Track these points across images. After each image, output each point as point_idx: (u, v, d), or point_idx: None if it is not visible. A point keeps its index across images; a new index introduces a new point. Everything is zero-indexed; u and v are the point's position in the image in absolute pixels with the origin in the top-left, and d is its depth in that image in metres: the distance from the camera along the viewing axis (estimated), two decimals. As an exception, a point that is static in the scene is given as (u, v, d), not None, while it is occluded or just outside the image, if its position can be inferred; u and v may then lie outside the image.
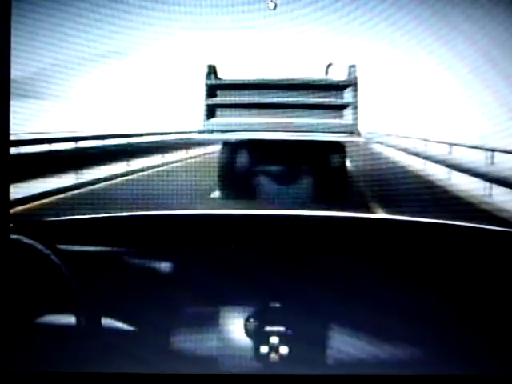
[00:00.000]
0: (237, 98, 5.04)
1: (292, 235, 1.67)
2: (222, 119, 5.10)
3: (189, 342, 1.51)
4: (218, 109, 5.14)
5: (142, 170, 5.12)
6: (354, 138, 5.02)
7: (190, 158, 5.51)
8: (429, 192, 4.92)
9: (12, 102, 1.39)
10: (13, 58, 1.38)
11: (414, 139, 6.44)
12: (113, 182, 4.76)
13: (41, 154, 4.91)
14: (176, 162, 5.35)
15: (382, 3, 3.14)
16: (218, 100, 5.14)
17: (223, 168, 5.04)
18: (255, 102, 4.96)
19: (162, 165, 5.40)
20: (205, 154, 5.46)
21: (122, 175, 4.98)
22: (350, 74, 5.07)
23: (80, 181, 4.59)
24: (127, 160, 5.31)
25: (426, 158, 6.26)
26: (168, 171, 5.15)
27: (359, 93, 5.04)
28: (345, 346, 1.48)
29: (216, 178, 4.82)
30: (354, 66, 5.01)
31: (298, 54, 4.15)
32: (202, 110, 5.12)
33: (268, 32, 3.01)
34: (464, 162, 5.54)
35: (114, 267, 1.64)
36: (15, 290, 1.38)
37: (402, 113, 4.67)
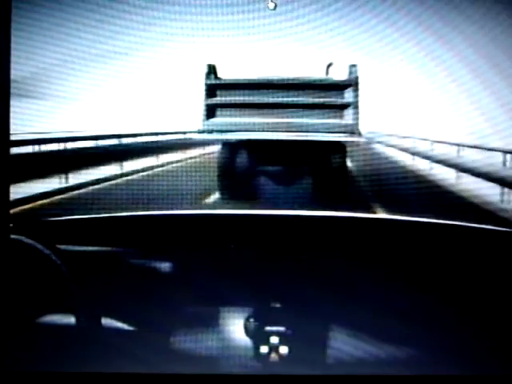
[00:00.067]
0: (237, 98, 5.04)
1: (292, 235, 1.67)
2: (221, 119, 5.10)
3: (189, 341, 1.52)
4: (218, 109, 5.13)
5: (132, 172, 5.10)
6: (355, 138, 5.02)
7: (191, 158, 5.51)
8: (432, 192, 4.91)
9: (12, 102, 1.39)
10: (13, 58, 1.38)
11: (415, 139, 6.44)
12: (100, 185, 4.71)
13: (41, 154, 4.91)
14: (173, 162, 5.35)
15: (382, 3, 3.14)
16: (217, 100, 5.14)
17: (223, 168, 5.04)
18: (255, 101, 4.96)
19: (162, 165, 5.41)
20: (204, 154, 5.46)
21: (106, 179, 4.94)
22: (350, 73, 5.06)
23: (80, 181, 4.59)
24: (120, 161, 5.28)
25: (427, 157, 6.26)
26: (168, 171, 5.16)
27: (359, 93, 5.04)
28: (344, 346, 1.48)
29: (215, 179, 4.81)
30: (354, 66, 5.00)
31: (298, 54, 4.15)
32: (201, 110, 5.11)
33: (268, 32, 3.01)
34: (468, 162, 5.51)
35: (114, 267, 1.64)
36: (15, 289, 1.38)
37: (401, 113, 4.67)
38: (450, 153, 5.87)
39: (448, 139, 5.80)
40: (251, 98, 4.97)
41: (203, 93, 5.10)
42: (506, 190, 4.90)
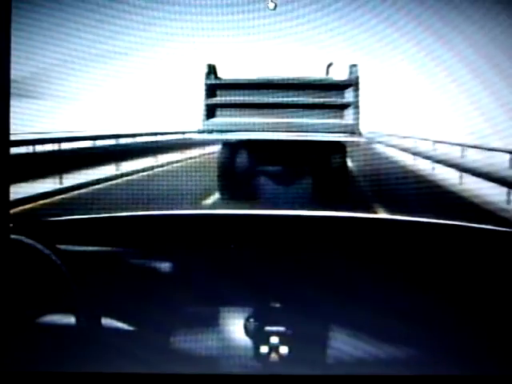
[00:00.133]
0: (237, 98, 5.04)
1: (292, 235, 1.67)
2: (221, 119, 5.10)
3: (189, 341, 1.52)
4: (218, 109, 5.13)
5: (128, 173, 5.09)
6: (356, 138, 5.01)
7: (191, 158, 5.51)
8: (433, 192, 4.90)
9: (12, 102, 1.39)
10: (13, 58, 1.38)
11: (415, 139, 6.43)
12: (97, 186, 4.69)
13: (42, 154, 4.91)
14: (173, 163, 5.34)
15: (382, 3, 3.14)
16: (217, 100, 5.13)
17: (223, 168, 5.03)
18: (255, 101, 4.95)
19: (162, 165, 5.40)
20: (204, 154, 5.45)
21: (106, 180, 4.92)
22: (351, 73, 5.06)
23: (80, 181, 4.59)
24: (120, 161, 5.27)
25: (427, 157, 6.26)
26: (168, 171, 5.16)
27: (360, 92, 5.04)
28: (344, 346, 1.48)
29: (215, 179, 4.81)
30: (355, 66, 4.99)
31: (298, 54, 4.15)
32: (201, 110, 5.11)
33: (268, 32, 3.01)
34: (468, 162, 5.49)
35: (114, 267, 1.64)
36: (15, 289, 1.38)
37: (401, 113, 4.67)
38: (450, 153, 5.86)
39: (448, 139, 5.80)
40: (251, 98, 4.96)
41: (203, 93, 5.10)
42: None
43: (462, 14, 3.06)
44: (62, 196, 4.38)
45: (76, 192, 4.44)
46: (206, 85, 5.08)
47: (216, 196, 4.64)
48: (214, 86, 5.10)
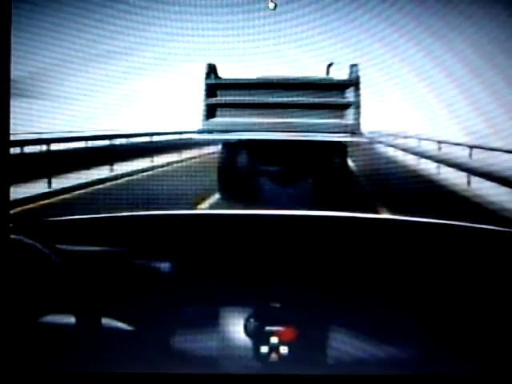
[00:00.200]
0: (237, 98, 5.03)
1: (292, 235, 1.67)
2: (221, 119, 5.09)
3: (189, 341, 1.51)
4: (218, 109, 5.13)
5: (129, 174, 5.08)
6: (356, 138, 5.00)
7: (191, 158, 5.51)
8: (433, 192, 4.89)
9: (12, 102, 1.39)
10: (13, 58, 1.38)
11: (415, 139, 6.43)
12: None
13: (42, 154, 4.91)
14: (173, 163, 5.34)
15: (382, 3, 3.14)
16: (217, 100, 5.13)
17: (223, 169, 5.03)
18: (255, 101, 4.95)
19: (162, 165, 5.40)
20: (203, 154, 5.45)
21: (106, 180, 4.89)
22: (351, 73, 5.05)
23: (80, 181, 4.59)
24: (120, 161, 5.25)
25: (428, 157, 6.25)
26: (168, 171, 5.16)
27: (360, 92, 5.03)
28: (345, 346, 1.48)
29: (215, 179, 4.81)
30: (355, 66, 4.98)
31: (299, 54, 4.15)
32: (201, 110, 5.11)
33: (268, 32, 3.01)
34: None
35: (113, 267, 1.64)
36: (15, 289, 1.38)
37: (401, 113, 4.66)
38: (450, 152, 5.86)
39: (448, 139, 5.79)
40: (251, 98, 4.96)
41: (203, 93, 5.10)
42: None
43: (462, 14, 3.06)
44: (64, 196, 4.38)
45: (76, 192, 4.45)
46: (206, 85, 5.08)
47: (212, 200, 4.59)
48: (214, 86, 5.09)
